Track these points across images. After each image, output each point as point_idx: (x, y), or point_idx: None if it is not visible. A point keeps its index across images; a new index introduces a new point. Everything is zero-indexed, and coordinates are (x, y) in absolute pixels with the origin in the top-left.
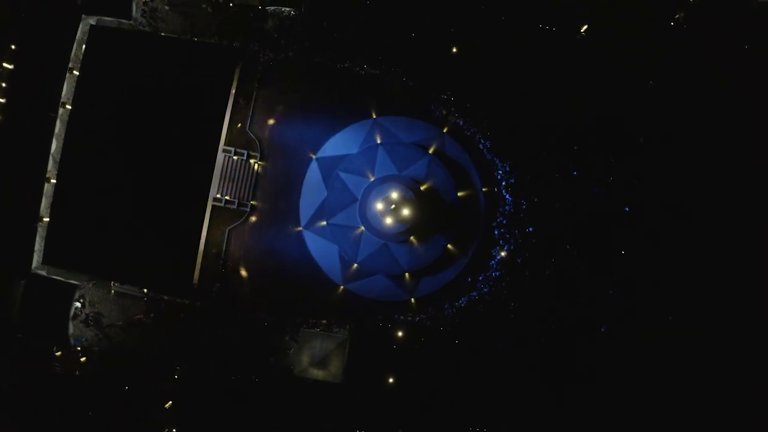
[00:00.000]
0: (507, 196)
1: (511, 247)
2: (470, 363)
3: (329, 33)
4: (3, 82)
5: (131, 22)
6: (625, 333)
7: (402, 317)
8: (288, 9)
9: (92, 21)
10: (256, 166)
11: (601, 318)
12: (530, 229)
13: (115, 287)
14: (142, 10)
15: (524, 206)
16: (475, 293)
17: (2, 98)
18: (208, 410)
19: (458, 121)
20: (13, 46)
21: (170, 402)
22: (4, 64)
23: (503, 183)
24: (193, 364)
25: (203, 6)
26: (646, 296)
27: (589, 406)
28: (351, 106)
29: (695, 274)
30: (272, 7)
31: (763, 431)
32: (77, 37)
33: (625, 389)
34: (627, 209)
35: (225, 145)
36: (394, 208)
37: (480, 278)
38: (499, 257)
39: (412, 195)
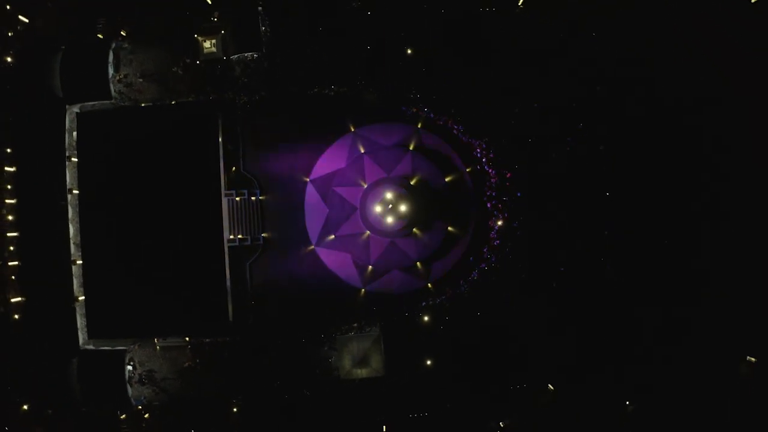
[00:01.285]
0: (490, 170)
1: (506, 215)
2: (495, 329)
3: (293, 67)
4: (8, 184)
5: (112, 101)
6: (630, 265)
7: (424, 303)
8: (250, 53)
9: (76, 109)
10: (258, 201)
11: (605, 257)
12: (518, 194)
13: (159, 343)
14: (119, 88)
15: (508, 175)
16: (483, 265)
17: (12, 199)
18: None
19: (429, 114)
20: (9, 150)
21: None
22: (6, 168)
23: (483, 159)
24: (247, 394)
25: (173, 70)
26: (639, 226)
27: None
28: (329, 125)
29: (685, 198)
30: (236, 56)
31: None
32: (66, 126)
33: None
34: (601, 148)
35: (226, 189)
36: (391, 207)
37: (485, 250)
38: (497, 227)
39: (405, 191)
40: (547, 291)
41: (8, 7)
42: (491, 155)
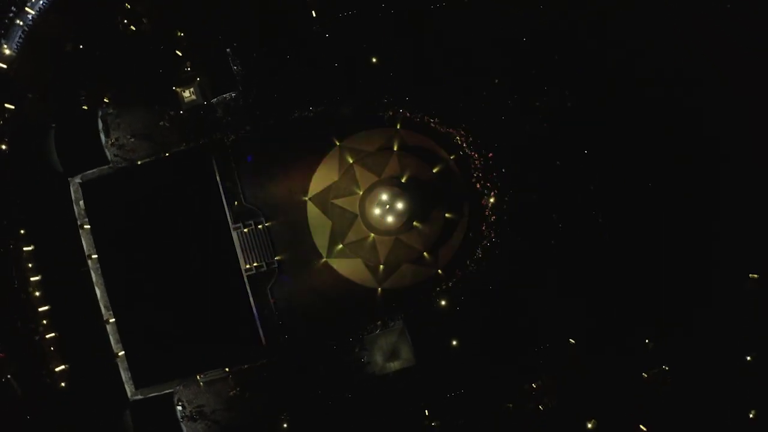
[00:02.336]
0: (473, 154)
1: (496, 191)
2: (507, 299)
3: (270, 98)
4: (29, 263)
5: (110, 165)
6: (619, 212)
7: (438, 289)
8: (228, 94)
9: (78, 180)
10: (265, 228)
11: (594, 209)
12: (503, 171)
13: (201, 379)
14: (113, 152)
15: (490, 155)
16: (485, 242)
17: (36, 276)
18: None
19: (405, 114)
20: (22, 231)
21: None
22: (24, 248)
23: (464, 144)
24: (293, 408)
25: (161, 124)
26: (621, 175)
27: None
28: (316, 144)
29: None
30: (215, 99)
31: None
32: (72, 198)
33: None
34: (569, 105)
35: (233, 223)
36: (388, 207)
37: (483, 227)
38: (489, 204)
39: (398, 190)
40: (548, 252)
41: None
42: (470, 139)
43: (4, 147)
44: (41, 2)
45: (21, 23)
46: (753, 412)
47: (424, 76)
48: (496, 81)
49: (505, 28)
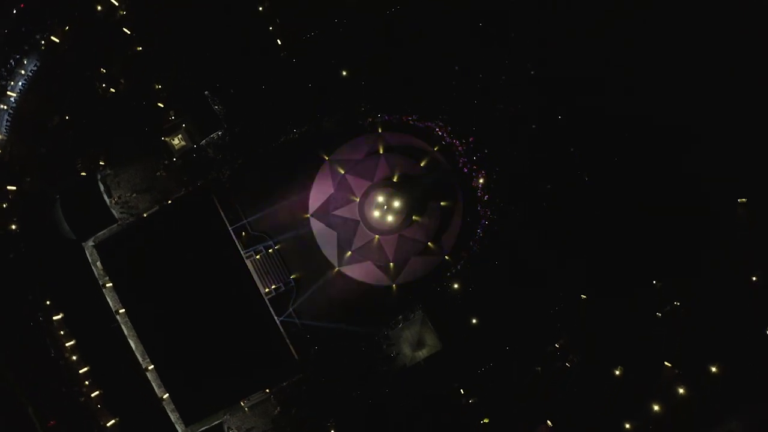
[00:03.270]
0: (454, 141)
1: (483, 172)
2: (515, 269)
3: (255, 130)
4: (60, 330)
5: (118, 223)
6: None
7: (448, 274)
8: (214, 133)
9: (91, 243)
10: (276, 251)
11: (580, 170)
12: (486, 151)
13: (245, 404)
14: (118, 210)
15: (472, 139)
16: (483, 220)
17: (71, 340)
18: None
19: (383, 118)
20: (48, 302)
21: None
22: (54, 317)
23: (444, 135)
24: (337, 414)
25: (158, 174)
26: (599, 134)
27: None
28: (306, 163)
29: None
30: (203, 141)
31: None
32: (90, 260)
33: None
34: (532, 73)
35: (245, 253)
36: (386, 208)
37: (479, 208)
38: (480, 185)
39: (391, 190)
40: (544, 217)
41: None
42: (449, 128)
43: (14, 227)
44: (20, 84)
45: (5, 107)
46: None
47: (393, 79)
48: (456, 68)
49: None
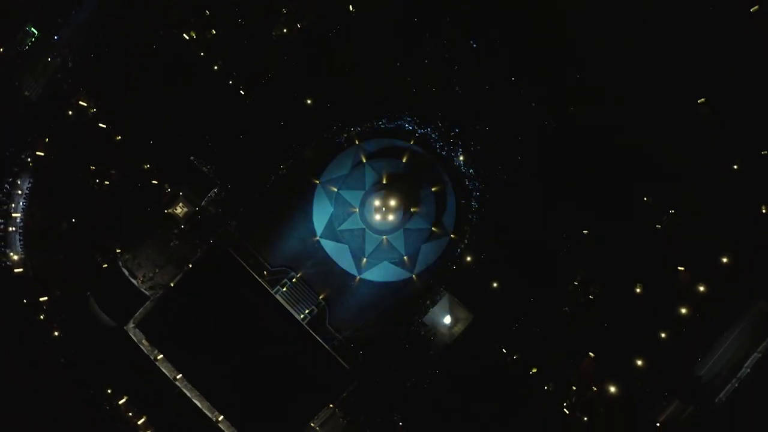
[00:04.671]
0: (425, 130)
1: (461, 150)
2: (517, 227)
3: (246, 178)
4: (128, 411)
5: (151, 299)
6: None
7: (458, 250)
8: (211, 192)
9: (132, 324)
10: (299, 279)
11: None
12: (457, 130)
13: (315, 424)
14: (146, 288)
15: (440, 124)
16: (475, 192)
17: (140, 418)
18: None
19: (357, 129)
20: (109, 390)
21: None
22: (119, 402)
23: (414, 127)
24: (399, 408)
25: (172, 245)
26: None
27: None
28: (301, 192)
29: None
30: (203, 202)
31: None
32: (135, 340)
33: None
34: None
35: (272, 289)
36: (384, 209)
37: (470, 186)
38: (462, 162)
39: (384, 191)
40: (529, 172)
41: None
42: (417, 120)
43: (56, 333)
44: (21, 203)
45: (13, 228)
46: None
47: (354, 94)
48: (398, 64)
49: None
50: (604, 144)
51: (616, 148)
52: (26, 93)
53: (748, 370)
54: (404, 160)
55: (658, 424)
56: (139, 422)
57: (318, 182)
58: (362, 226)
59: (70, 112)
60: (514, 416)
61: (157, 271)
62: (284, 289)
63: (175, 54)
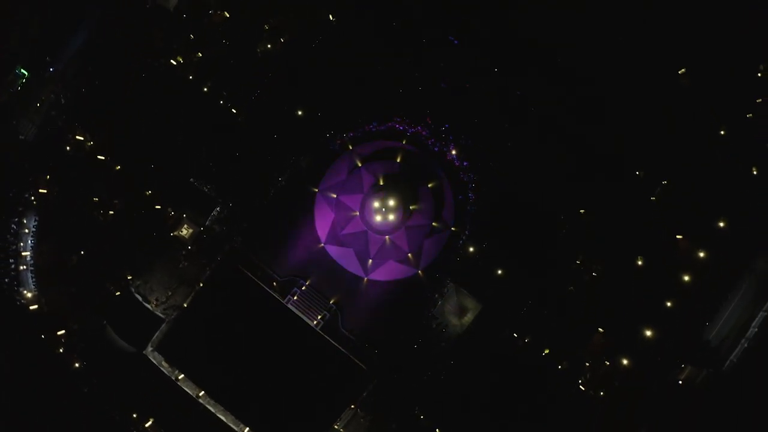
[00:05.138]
0: (416, 128)
1: (453, 143)
2: (513, 211)
3: (246, 193)
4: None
5: (166, 321)
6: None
7: (460, 242)
8: (214, 211)
9: (150, 348)
10: (308, 287)
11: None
12: (447, 125)
13: (338, 426)
14: (161, 310)
15: (429, 120)
16: (470, 183)
17: None
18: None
19: (349, 135)
20: (134, 415)
21: None
22: (146, 425)
23: (404, 127)
24: (420, 400)
25: (181, 266)
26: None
27: None
28: (301, 202)
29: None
30: (207, 222)
31: None
32: (155, 363)
33: None
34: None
35: (283, 299)
36: (384, 210)
37: (465, 178)
38: (455, 156)
39: (382, 193)
40: (518, 153)
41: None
42: (407, 120)
43: (77, 365)
44: (29, 241)
45: (24, 267)
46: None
47: (342, 101)
48: (379, 68)
49: None
50: (591, 124)
51: (602, 126)
52: (21, 137)
53: (756, 329)
54: (398, 160)
55: (672, 392)
56: None
57: (317, 190)
58: (364, 229)
59: (68, 148)
60: (532, 398)
61: (169, 293)
62: (295, 297)
63: (164, 80)
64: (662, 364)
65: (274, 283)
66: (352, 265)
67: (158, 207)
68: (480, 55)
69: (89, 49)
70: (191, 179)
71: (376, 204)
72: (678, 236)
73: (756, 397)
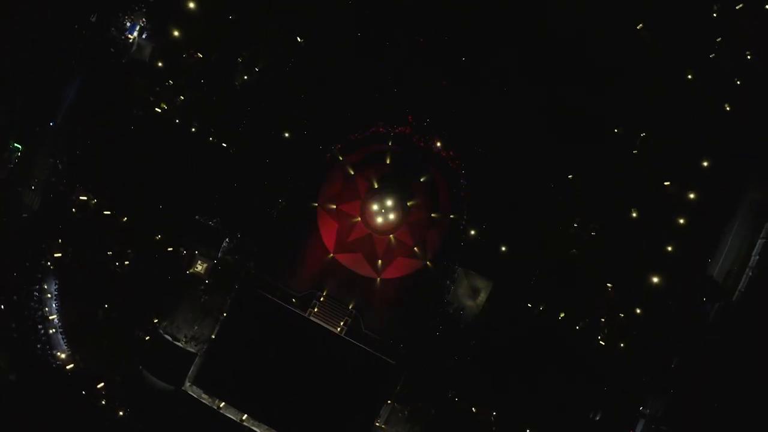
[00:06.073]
0: (398, 129)
1: (437, 136)
2: (508, 191)
3: (251, 220)
4: None
5: (198, 355)
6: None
7: (461, 227)
8: (224, 242)
9: (188, 383)
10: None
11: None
12: (428, 120)
13: (380, 423)
14: (193, 345)
15: (410, 118)
16: (462, 171)
17: None
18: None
19: (337, 146)
20: None
21: None
22: None
23: (388, 130)
24: (452, 383)
25: (202, 300)
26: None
27: None
28: (304, 218)
29: None
30: (219, 254)
31: None
32: (196, 396)
33: None
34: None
35: (305, 313)
36: (384, 211)
37: (450, 164)
38: (439, 147)
39: (378, 195)
40: (506, 136)
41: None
42: (388, 123)
43: (121, 413)
44: (54, 305)
45: (54, 330)
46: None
47: (324, 116)
48: (354, 77)
49: None
50: (564, 89)
51: (574, 90)
52: (25, 212)
53: (757, 257)
54: (388, 162)
55: (691, 330)
56: None
57: (317, 204)
58: (368, 232)
59: (74, 209)
60: (558, 362)
61: (195, 328)
62: (315, 309)
63: (153, 128)
64: (674, 307)
65: (294, 300)
66: (363, 268)
67: (170, 249)
68: (446, 49)
69: (76, 112)
70: (196, 216)
71: (375, 206)
72: (666, 183)
73: None
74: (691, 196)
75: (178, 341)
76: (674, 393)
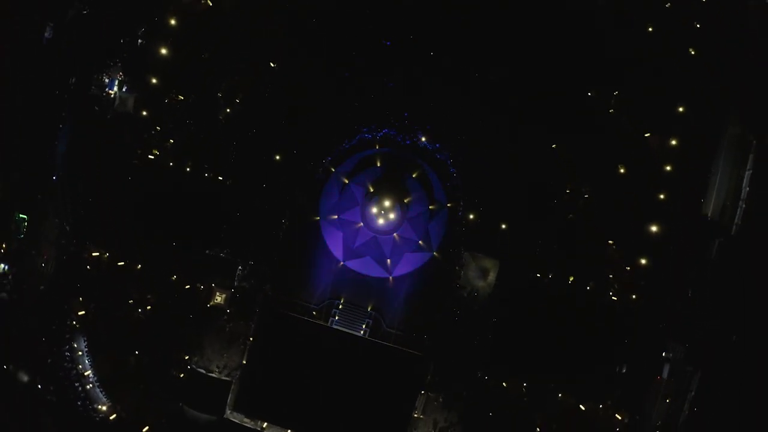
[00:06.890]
0: (384, 131)
1: (421, 132)
2: (504, 173)
3: (261, 247)
4: None
5: (234, 382)
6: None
7: (460, 213)
8: (237, 271)
9: (229, 410)
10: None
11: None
12: (407, 115)
13: (417, 414)
14: (225, 374)
15: (397, 116)
16: (450, 160)
17: None
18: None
19: (328, 159)
20: None
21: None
22: None
23: (373, 135)
24: (478, 362)
25: (227, 330)
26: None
27: None
28: (310, 232)
29: None
30: (235, 283)
31: None
32: (239, 422)
33: None
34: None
35: (327, 323)
36: (383, 212)
37: (441, 157)
38: (424, 141)
39: (376, 197)
40: (497, 124)
41: None
42: (372, 127)
43: None
44: (86, 359)
45: (90, 385)
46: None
47: (310, 133)
48: (332, 89)
49: None
50: (533, 64)
51: (541, 62)
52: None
53: (747, 188)
54: (379, 164)
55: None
56: None
57: (318, 218)
58: (372, 235)
59: (89, 267)
60: (575, 323)
61: (225, 356)
62: (336, 317)
63: (148, 174)
64: (678, 251)
65: (314, 312)
66: (374, 270)
67: (188, 286)
68: (413, 48)
69: (71, 170)
70: (207, 251)
71: (375, 209)
72: (646, 134)
73: None
74: (673, 142)
75: (212, 372)
76: (693, 334)
